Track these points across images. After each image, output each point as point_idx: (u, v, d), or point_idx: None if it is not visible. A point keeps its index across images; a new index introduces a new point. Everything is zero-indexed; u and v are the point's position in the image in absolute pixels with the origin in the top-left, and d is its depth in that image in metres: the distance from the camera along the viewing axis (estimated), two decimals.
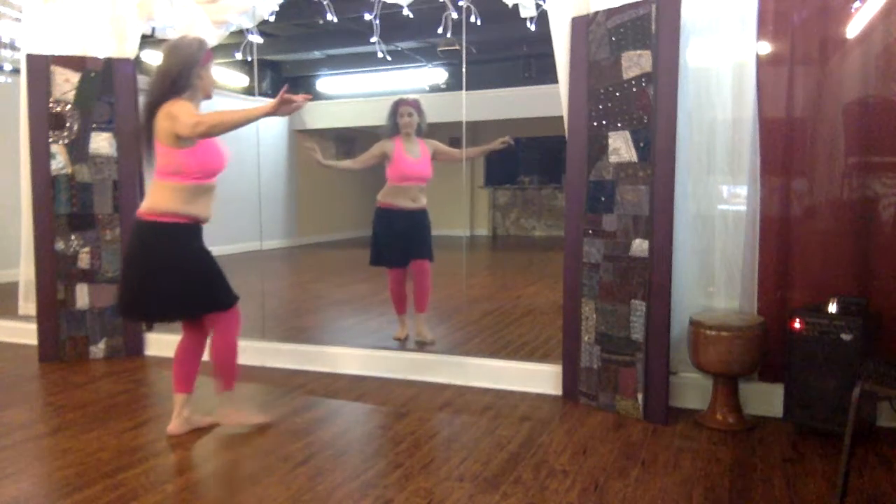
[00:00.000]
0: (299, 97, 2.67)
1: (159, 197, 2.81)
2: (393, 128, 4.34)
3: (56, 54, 4.24)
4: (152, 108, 2.79)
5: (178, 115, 2.72)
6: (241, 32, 4.55)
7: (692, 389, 3.28)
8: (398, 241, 4.35)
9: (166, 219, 2.78)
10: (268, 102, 2.67)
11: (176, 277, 2.80)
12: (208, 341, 3.04)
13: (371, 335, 4.86)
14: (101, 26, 4.33)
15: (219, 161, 2.89)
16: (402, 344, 4.47)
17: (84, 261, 4.24)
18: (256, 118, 2.71)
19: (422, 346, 4.39)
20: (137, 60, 4.45)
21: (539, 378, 3.58)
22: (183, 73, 2.79)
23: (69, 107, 4.21)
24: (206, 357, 3.06)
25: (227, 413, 3.07)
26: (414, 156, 4.32)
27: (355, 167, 4.46)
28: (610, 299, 3.23)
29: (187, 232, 2.84)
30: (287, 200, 11.25)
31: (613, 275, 3.22)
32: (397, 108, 4.34)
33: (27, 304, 4.88)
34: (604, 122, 3.25)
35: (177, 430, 3.00)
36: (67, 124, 4.21)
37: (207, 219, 2.91)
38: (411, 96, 4.44)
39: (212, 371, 2.99)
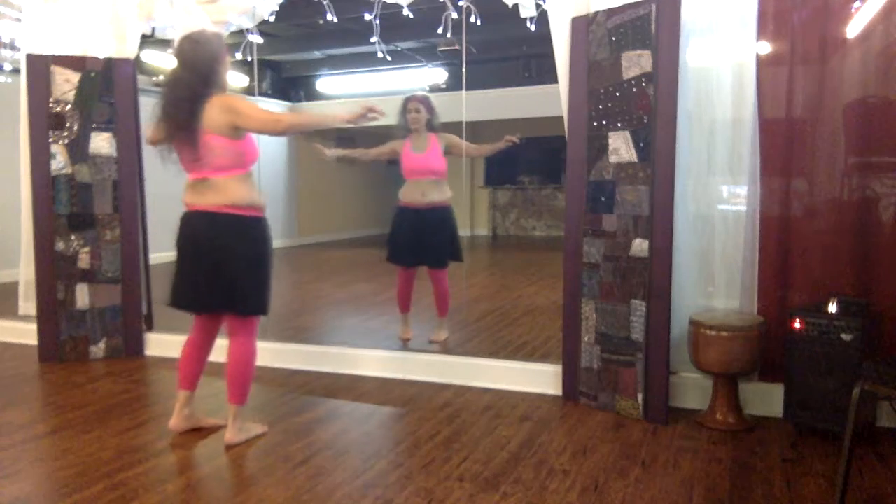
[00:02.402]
0: (378, 109, 2.82)
1: (234, 190, 2.77)
2: (404, 124, 4.35)
3: (56, 54, 4.23)
4: (194, 104, 2.72)
5: (242, 108, 2.75)
6: (241, 32, 4.55)
7: (692, 389, 3.28)
8: (409, 240, 4.34)
9: (249, 212, 2.80)
10: (348, 111, 2.79)
11: (253, 270, 2.81)
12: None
13: (371, 335, 4.86)
14: (101, 26, 4.33)
15: (257, 149, 2.92)
16: (403, 344, 4.47)
17: (84, 261, 4.24)
18: (332, 125, 2.85)
19: (438, 343, 4.41)
20: (137, 60, 4.45)
21: (539, 378, 3.58)
22: (214, 68, 2.78)
23: (69, 107, 4.21)
24: (210, 358, 3.06)
25: (235, 432, 2.90)
26: (419, 150, 4.31)
27: (366, 156, 4.48)
28: (610, 299, 3.23)
29: (266, 226, 2.87)
30: (287, 200, 11.25)
31: (613, 275, 3.22)
32: (406, 104, 4.33)
33: (27, 304, 4.89)
34: (604, 122, 3.25)
35: (177, 427, 2.99)
36: (67, 124, 4.21)
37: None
38: (421, 93, 4.43)
39: (227, 381, 2.90)
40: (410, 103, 4.31)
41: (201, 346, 3.02)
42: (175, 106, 2.76)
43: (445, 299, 4.47)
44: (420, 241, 4.32)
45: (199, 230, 2.81)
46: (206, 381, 3.06)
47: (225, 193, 2.77)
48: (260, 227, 2.86)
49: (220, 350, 3.01)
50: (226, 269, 2.77)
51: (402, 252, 4.38)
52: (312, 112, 2.96)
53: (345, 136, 11.58)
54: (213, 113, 2.74)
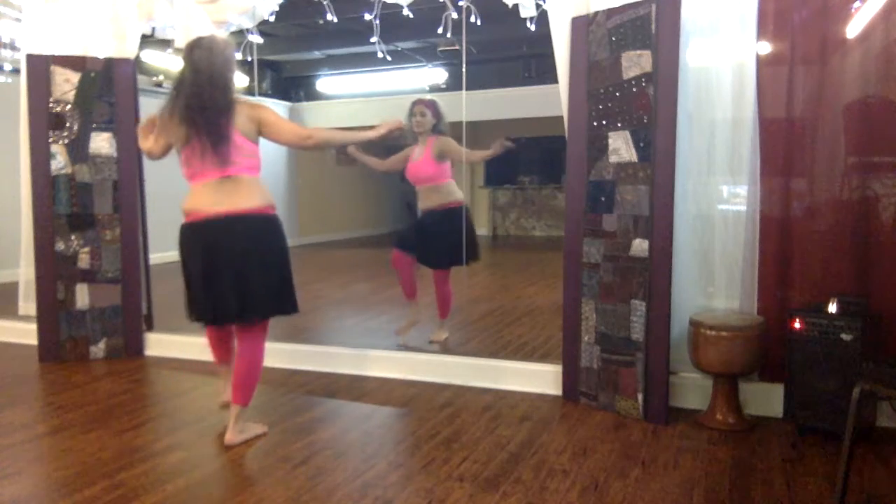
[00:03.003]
0: (401, 125, 2.99)
1: (263, 191, 2.83)
2: (409, 128, 4.31)
3: (56, 54, 4.23)
4: (222, 115, 2.72)
5: (274, 122, 2.82)
6: (241, 32, 4.55)
7: (692, 389, 3.28)
8: (410, 230, 4.50)
9: (275, 212, 2.86)
10: (373, 128, 2.92)
11: (289, 269, 2.90)
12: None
13: (371, 335, 4.86)
14: (101, 26, 4.33)
15: None
16: (396, 335, 4.46)
17: (84, 261, 4.24)
18: (359, 142, 3.05)
19: (437, 343, 4.43)
20: (137, 60, 4.45)
21: (539, 378, 3.58)
22: (230, 77, 2.79)
23: (69, 107, 4.21)
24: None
25: (236, 432, 2.89)
26: (416, 158, 4.31)
27: (381, 167, 4.52)
28: (610, 299, 3.23)
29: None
30: (288, 200, 11.24)
31: (613, 275, 3.21)
32: (412, 107, 4.30)
33: (27, 304, 4.88)
34: (604, 122, 3.25)
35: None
36: (67, 124, 4.21)
37: None
38: (428, 96, 4.40)
39: (232, 382, 2.90)
40: (416, 107, 4.28)
41: (229, 344, 3.04)
42: (198, 114, 2.71)
43: (446, 301, 4.46)
44: (420, 239, 4.35)
45: (235, 235, 2.74)
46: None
47: (260, 193, 2.81)
48: (280, 223, 2.92)
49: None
50: (271, 270, 2.80)
51: (401, 235, 4.48)
52: (343, 132, 3.08)
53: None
54: (242, 119, 2.77)
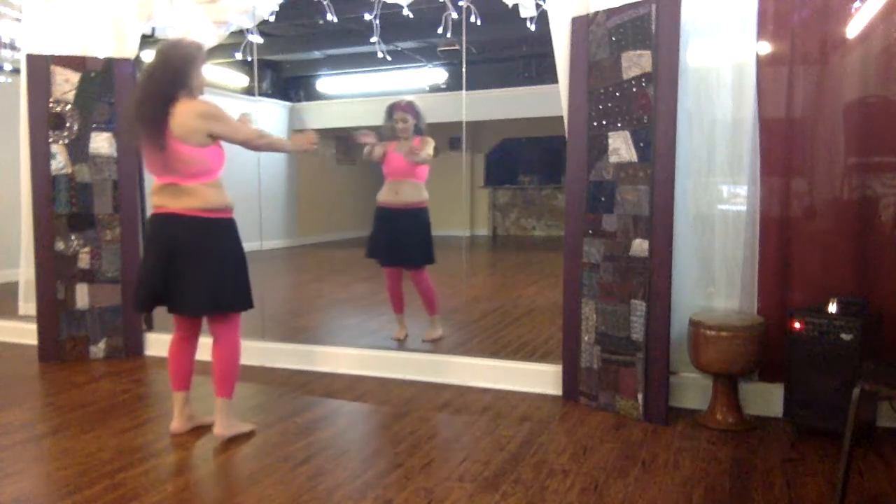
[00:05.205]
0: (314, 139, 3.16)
1: (207, 195, 2.81)
2: (390, 131, 4.37)
3: (56, 54, 4.23)
4: (164, 105, 2.74)
5: (226, 119, 2.83)
6: (241, 32, 4.55)
7: (692, 389, 3.28)
8: (385, 239, 4.38)
9: (221, 214, 2.85)
10: (295, 143, 3.24)
11: (232, 269, 2.87)
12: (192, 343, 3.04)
13: (371, 335, 4.86)
14: (101, 26, 4.33)
15: (223, 157, 2.94)
16: (401, 344, 4.47)
17: (84, 261, 4.24)
18: (287, 150, 3.18)
19: (431, 343, 4.42)
20: (137, 60, 4.44)
21: (539, 378, 3.58)
22: (185, 69, 2.80)
23: (69, 107, 4.21)
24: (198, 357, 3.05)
25: (224, 425, 2.92)
26: (398, 150, 4.33)
27: (371, 154, 4.52)
28: (610, 299, 3.23)
29: (235, 226, 2.93)
30: (287, 200, 11.25)
31: (613, 275, 3.22)
32: (392, 113, 4.36)
33: (27, 304, 4.89)
34: (604, 122, 3.25)
35: (181, 429, 3.00)
36: (67, 124, 4.21)
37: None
38: (405, 99, 4.43)
39: (213, 377, 2.92)
40: (396, 113, 4.34)
41: (186, 344, 3.02)
42: (143, 104, 2.78)
43: (429, 297, 4.48)
44: (394, 241, 4.34)
45: (177, 232, 2.81)
46: (200, 381, 3.06)
47: (199, 197, 2.80)
48: (233, 227, 2.91)
49: (205, 348, 3.02)
50: (206, 270, 2.79)
51: (381, 250, 4.42)
52: (284, 139, 3.29)
53: (343, 136, 11.60)
54: (183, 119, 2.75)
